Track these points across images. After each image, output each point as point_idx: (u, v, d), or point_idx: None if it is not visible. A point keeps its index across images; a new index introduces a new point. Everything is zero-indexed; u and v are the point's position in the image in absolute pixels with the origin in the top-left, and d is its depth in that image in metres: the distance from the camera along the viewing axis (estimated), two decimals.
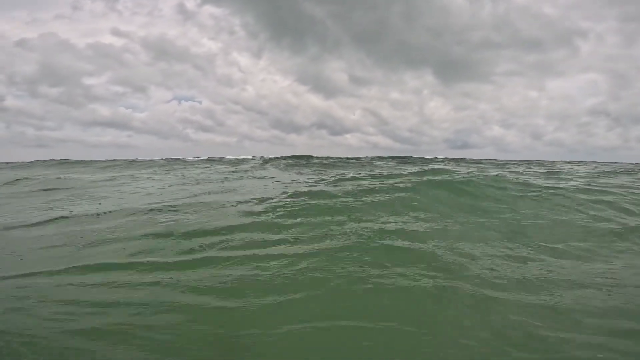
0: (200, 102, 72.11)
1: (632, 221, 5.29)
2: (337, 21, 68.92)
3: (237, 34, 76.11)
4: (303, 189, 6.75)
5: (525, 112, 72.77)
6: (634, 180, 9.73)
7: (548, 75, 77.01)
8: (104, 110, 59.89)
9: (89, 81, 63.64)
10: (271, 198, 6.22)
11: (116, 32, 69.18)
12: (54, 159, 25.34)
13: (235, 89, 77.31)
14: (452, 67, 73.11)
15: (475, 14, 64.38)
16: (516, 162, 20.57)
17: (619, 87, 62.78)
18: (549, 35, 66.31)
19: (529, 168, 14.61)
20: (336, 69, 77.51)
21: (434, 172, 8.39)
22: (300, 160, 19.55)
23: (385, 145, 68.18)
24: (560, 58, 70.60)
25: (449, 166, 11.85)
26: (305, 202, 5.63)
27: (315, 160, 19.80)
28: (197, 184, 9.52)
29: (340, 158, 22.35)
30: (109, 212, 5.84)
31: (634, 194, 6.97)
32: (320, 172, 12.63)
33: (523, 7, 66.48)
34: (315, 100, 78.55)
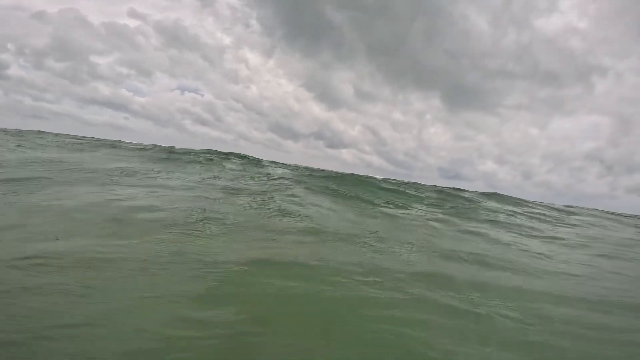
0: (202, 95, 71.84)
1: None
2: (355, 29, 68.66)
3: (252, 27, 75.66)
4: None
5: (522, 150, 72.50)
6: None
7: (556, 112, 75.82)
8: (105, 90, 59.72)
9: (96, 59, 63.02)
10: None
11: (133, 14, 68.58)
12: None
13: (240, 86, 76.97)
14: (462, 93, 72.62)
15: (496, 41, 64.24)
16: None
17: (620, 133, 62.89)
18: (568, 69, 65.39)
19: None
20: (344, 80, 77.23)
21: None
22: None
23: (379, 166, 68.00)
24: (573, 96, 69.82)
25: None
26: None
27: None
28: None
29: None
30: None
31: None
32: None
33: (549, 38, 65.66)
34: (318, 110, 78.36)
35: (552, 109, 73.36)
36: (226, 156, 16.47)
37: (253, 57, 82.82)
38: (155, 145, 20.48)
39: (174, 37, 70.84)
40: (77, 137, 23.54)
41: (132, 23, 75.53)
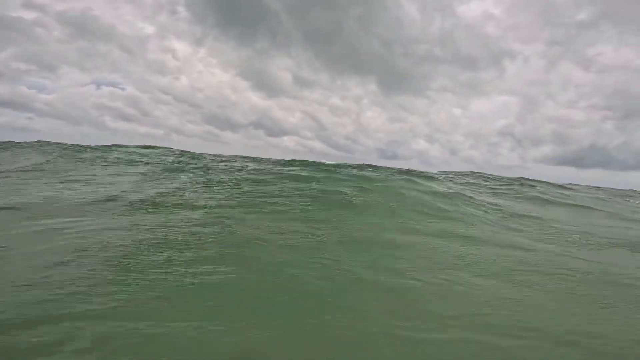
0: (123, 89, 65.32)
1: None
2: (292, 15, 67.29)
3: (179, 14, 70.06)
4: None
5: (448, 129, 79.46)
6: None
7: (474, 94, 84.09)
8: (0, 88, 51.51)
9: None
10: None
11: (28, 5, 58.67)
12: None
13: (168, 77, 71.34)
14: (395, 78, 76.11)
15: (424, 28, 67.85)
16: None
17: (527, 111, 71.60)
18: (484, 54, 72.26)
19: None
20: (282, 67, 75.90)
21: None
22: None
23: (321, 151, 69.21)
24: (487, 79, 77.61)
25: None
26: None
27: None
28: None
29: None
30: None
31: None
32: None
33: (469, 25, 71.48)
34: (256, 99, 76.18)
35: (471, 91, 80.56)
36: None
37: (181, 47, 76.78)
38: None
39: (82, 28, 62.23)
40: None
41: (28, 15, 61.76)
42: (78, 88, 62.98)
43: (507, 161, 64.22)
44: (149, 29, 71.96)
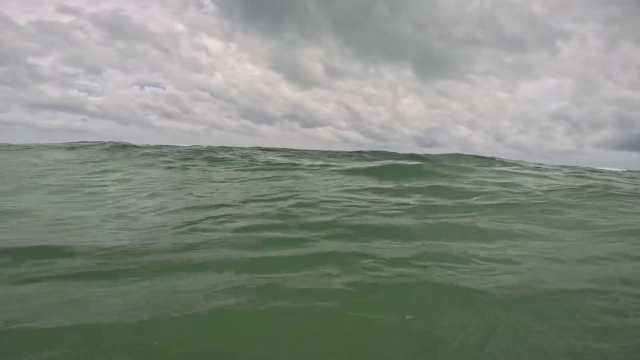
0: (164, 88, 67.75)
1: None
2: (319, 3, 65.54)
3: (206, 7, 70.07)
4: None
5: (493, 114, 73.77)
6: None
7: (523, 77, 76.94)
8: (53, 92, 55.50)
9: (35, 61, 58.13)
10: None
11: (62, 9, 61.65)
12: None
13: (203, 74, 72.52)
14: (431, 62, 71.84)
15: (461, 8, 63.38)
16: None
17: (584, 93, 64.98)
18: (532, 35, 66.07)
19: None
20: (313, 57, 74.44)
21: None
22: None
23: (356, 140, 67.76)
24: (538, 60, 70.91)
25: None
26: None
27: None
28: None
29: None
30: None
31: None
32: None
33: (511, 4, 65.71)
34: (289, 91, 75.68)
35: (518, 74, 74.57)
36: None
37: (212, 43, 77.74)
38: None
39: (116, 29, 64.69)
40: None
41: (65, 19, 64.84)
42: (124, 89, 66.62)
43: (561, 146, 58.78)
44: (179, 27, 73.46)
